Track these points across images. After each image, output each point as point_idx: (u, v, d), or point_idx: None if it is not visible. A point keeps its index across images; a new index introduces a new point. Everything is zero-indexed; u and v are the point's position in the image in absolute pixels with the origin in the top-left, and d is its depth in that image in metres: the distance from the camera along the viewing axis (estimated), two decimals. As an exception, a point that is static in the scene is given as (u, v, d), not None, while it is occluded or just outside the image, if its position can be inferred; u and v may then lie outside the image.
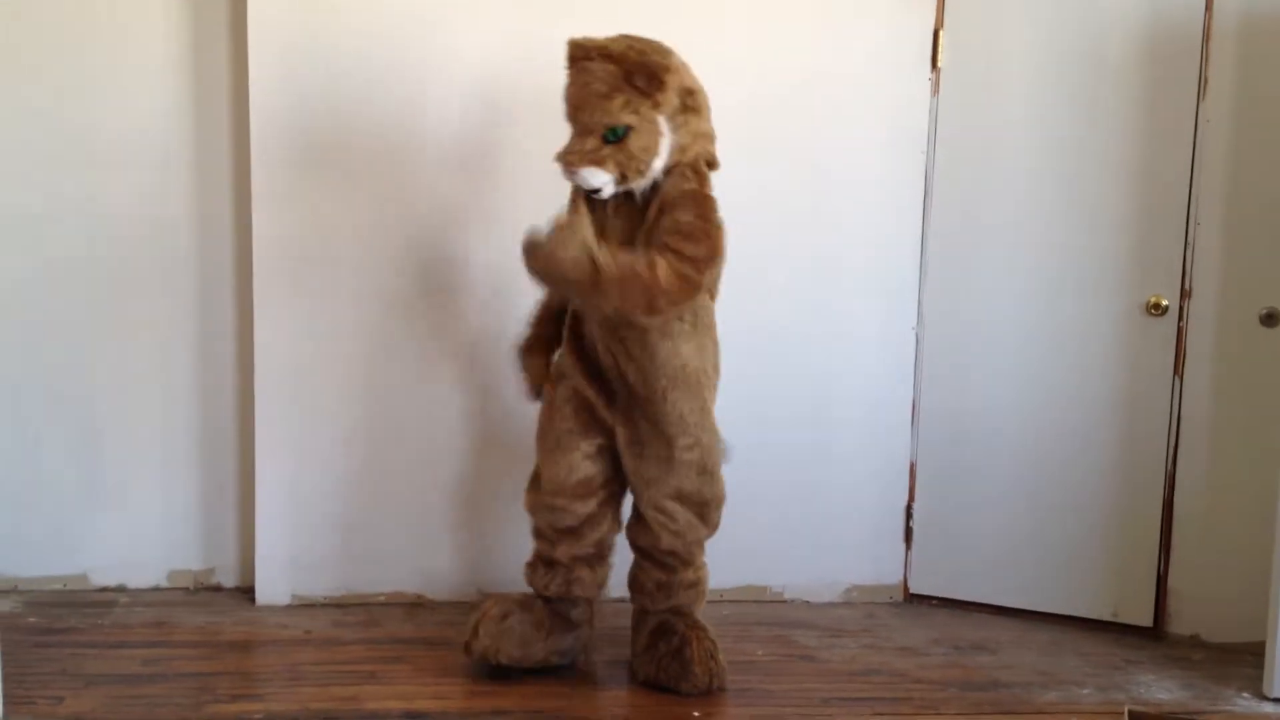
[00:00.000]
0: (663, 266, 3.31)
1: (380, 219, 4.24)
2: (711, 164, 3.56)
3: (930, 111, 4.46)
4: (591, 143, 3.34)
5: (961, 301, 4.49)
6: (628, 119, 3.32)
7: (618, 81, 3.32)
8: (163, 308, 4.36)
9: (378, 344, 4.29)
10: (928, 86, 4.45)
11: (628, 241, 3.45)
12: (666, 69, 3.33)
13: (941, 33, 4.41)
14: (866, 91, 4.43)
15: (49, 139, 4.23)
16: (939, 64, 4.43)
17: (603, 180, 3.37)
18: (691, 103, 3.43)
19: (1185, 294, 4.24)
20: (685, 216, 3.40)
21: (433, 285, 4.29)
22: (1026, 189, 4.39)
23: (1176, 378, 4.28)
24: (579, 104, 3.38)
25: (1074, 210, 4.34)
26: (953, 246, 4.49)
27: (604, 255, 3.28)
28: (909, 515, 4.62)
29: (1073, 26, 4.29)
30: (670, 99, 3.36)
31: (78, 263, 4.29)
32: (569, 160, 3.36)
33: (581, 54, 3.40)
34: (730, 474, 4.39)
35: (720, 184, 4.27)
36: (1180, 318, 4.25)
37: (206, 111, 4.31)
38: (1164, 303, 4.25)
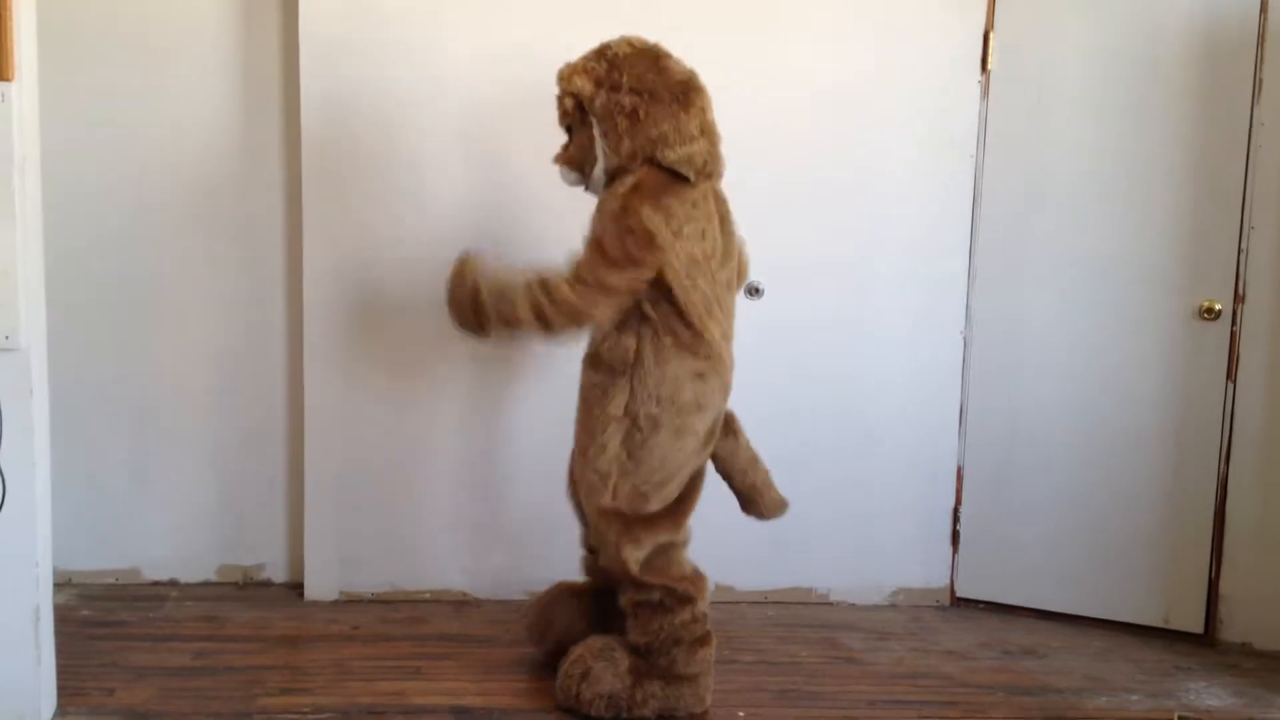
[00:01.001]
0: (538, 286, 3.30)
1: (430, 216, 4.27)
2: (681, 166, 3.37)
3: (980, 114, 4.43)
4: (564, 141, 3.54)
5: (1010, 304, 4.47)
6: (565, 119, 3.47)
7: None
8: (214, 307, 4.40)
9: (427, 343, 4.31)
10: (978, 89, 4.43)
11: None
12: (572, 69, 3.39)
13: (992, 35, 4.39)
14: (916, 94, 4.41)
15: (102, 140, 4.29)
16: (989, 66, 4.40)
17: (571, 178, 3.54)
18: (628, 105, 3.34)
19: (1239, 298, 4.20)
20: (593, 232, 3.36)
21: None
22: (1077, 191, 4.36)
23: (1229, 383, 4.23)
24: None
25: (1125, 213, 4.31)
26: (1002, 248, 4.46)
27: (485, 283, 3.32)
28: (956, 518, 4.59)
29: (1125, 28, 4.26)
30: (592, 97, 3.35)
31: (130, 265, 4.34)
32: (554, 158, 3.55)
33: None
34: (776, 475, 4.39)
35: (768, 185, 4.30)
36: (1233, 322, 4.21)
37: (257, 108, 4.35)
38: (1217, 307, 4.21)
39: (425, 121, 4.24)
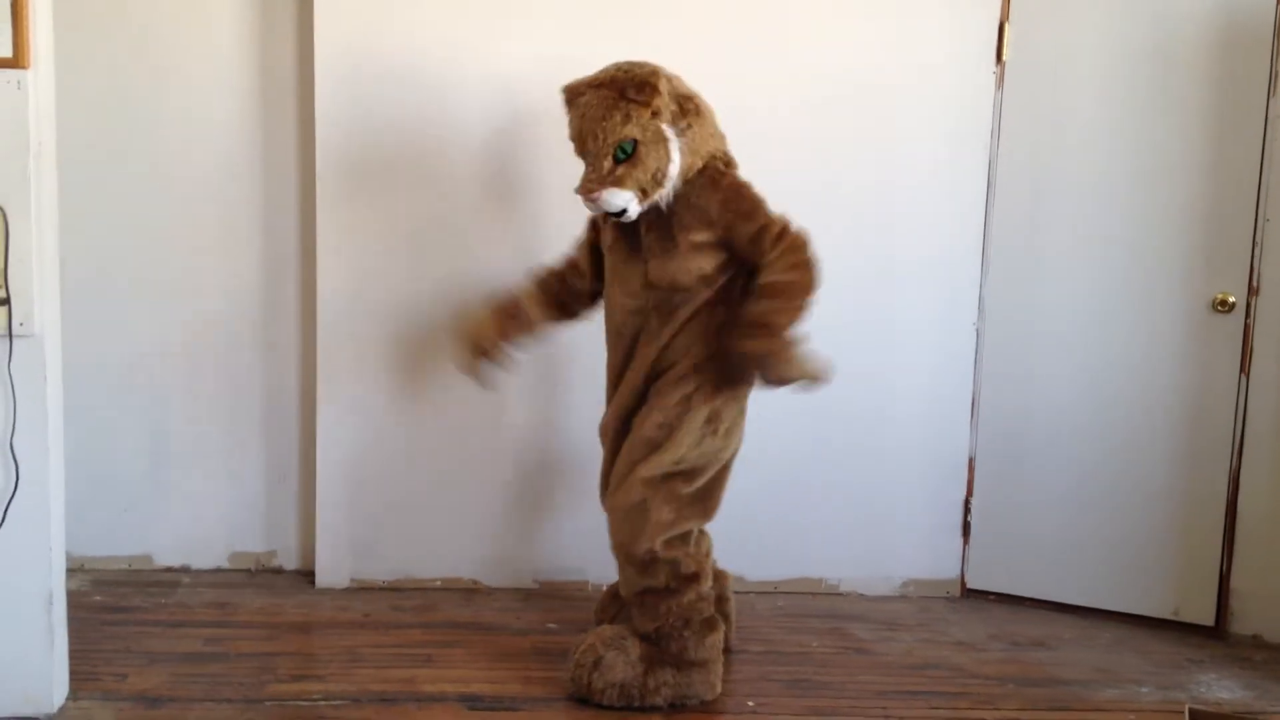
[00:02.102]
0: (792, 272, 3.40)
1: (442, 215, 4.27)
2: (728, 163, 3.55)
3: (994, 105, 4.42)
4: (606, 165, 3.35)
5: (1024, 296, 4.46)
6: (632, 132, 3.32)
7: (614, 101, 3.34)
8: (229, 300, 4.42)
9: (439, 334, 4.31)
10: (992, 80, 4.41)
11: (666, 254, 3.47)
12: (654, 73, 3.35)
13: (1007, 25, 4.37)
14: (930, 85, 4.40)
15: (116, 141, 4.30)
16: (1004, 57, 4.39)
17: (625, 199, 3.36)
18: (691, 107, 3.43)
19: (1253, 291, 4.19)
20: (751, 225, 3.42)
21: (494, 276, 4.31)
22: (1092, 183, 4.35)
23: (1243, 375, 4.22)
24: (582, 133, 3.40)
25: (1140, 205, 4.30)
26: (1016, 241, 4.45)
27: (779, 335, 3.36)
28: (967, 510, 4.58)
29: (1141, 20, 4.24)
30: (666, 104, 3.36)
31: (144, 257, 4.35)
32: (588, 187, 3.36)
33: (573, 94, 3.46)
34: (787, 466, 4.41)
35: (782, 178, 4.28)
36: (1247, 315, 4.20)
37: (272, 98, 4.35)
38: (1231, 299, 4.20)
39: (440, 124, 4.23)
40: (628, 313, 3.56)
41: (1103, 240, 4.35)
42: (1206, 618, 4.32)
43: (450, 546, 4.44)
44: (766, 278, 3.38)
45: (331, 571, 4.40)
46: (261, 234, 4.40)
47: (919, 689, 3.73)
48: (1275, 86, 4.10)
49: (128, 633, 3.88)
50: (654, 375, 3.53)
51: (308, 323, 4.40)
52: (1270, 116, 4.11)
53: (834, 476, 4.48)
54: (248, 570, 4.53)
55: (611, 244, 3.61)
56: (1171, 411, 4.32)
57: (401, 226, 4.27)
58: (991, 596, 4.60)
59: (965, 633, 4.25)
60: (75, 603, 3.72)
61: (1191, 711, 3.09)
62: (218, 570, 4.52)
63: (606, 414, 3.71)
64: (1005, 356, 4.50)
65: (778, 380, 3.34)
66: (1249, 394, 4.22)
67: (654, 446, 3.46)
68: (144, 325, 4.38)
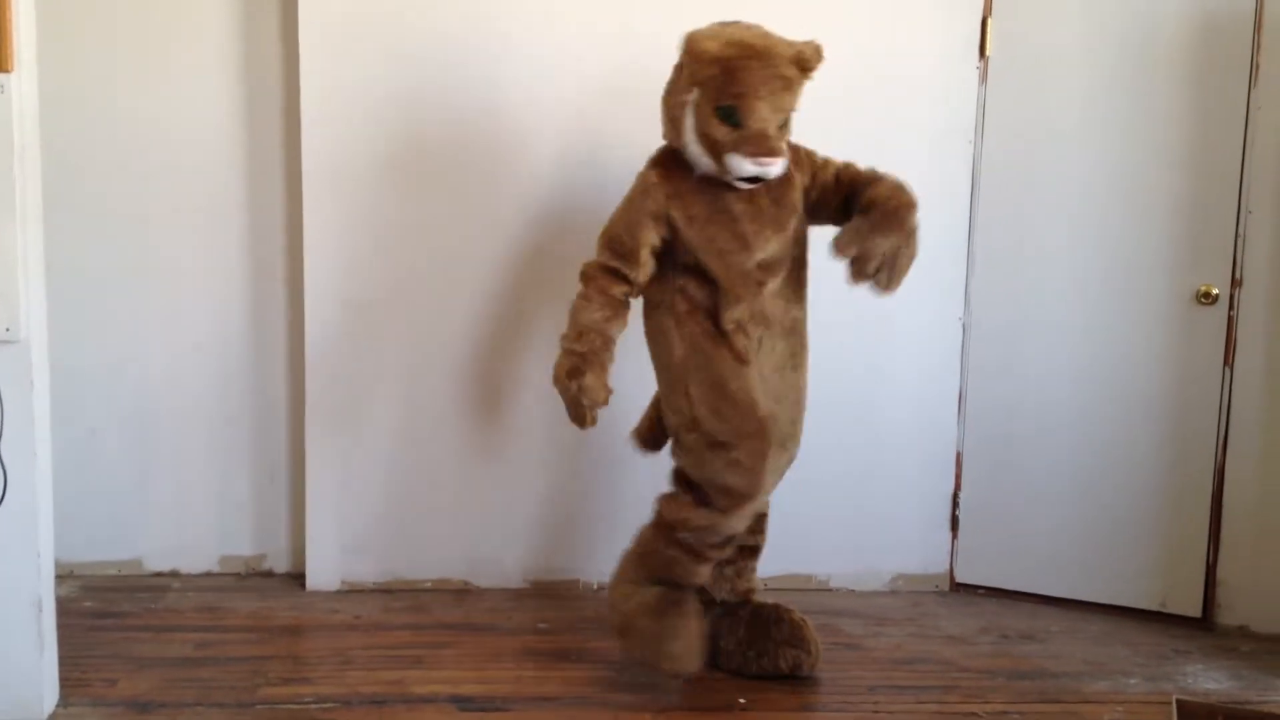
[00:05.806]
0: None
1: (431, 214, 4.27)
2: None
3: (978, 100, 4.43)
4: (773, 131, 3.43)
5: (1009, 291, 4.47)
6: (795, 104, 3.52)
7: (782, 69, 3.46)
8: (215, 301, 4.42)
9: (427, 335, 4.32)
10: (976, 75, 4.43)
11: (781, 219, 3.56)
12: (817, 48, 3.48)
13: (990, 21, 4.38)
14: (914, 80, 4.41)
15: (102, 130, 4.29)
16: (987, 52, 4.40)
17: (784, 165, 3.49)
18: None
19: (1236, 283, 4.20)
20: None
21: (485, 277, 4.31)
22: (1076, 177, 4.36)
23: (1227, 367, 4.24)
24: (748, 96, 3.39)
25: (1124, 198, 4.31)
26: (1001, 235, 4.46)
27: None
28: (955, 504, 4.60)
29: (1123, 13, 4.25)
30: None
31: (131, 259, 4.35)
32: (776, 149, 3.40)
33: (725, 55, 3.41)
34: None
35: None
36: (1231, 306, 4.21)
37: (257, 97, 4.35)
38: (1214, 291, 4.21)
39: (431, 114, 4.24)
40: (756, 281, 3.50)
41: (1087, 233, 4.36)
42: (1193, 609, 4.33)
43: (440, 547, 4.44)
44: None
45: (322, 574, 4.40)
46: (249, 234, 4.40)
47: (909, 683, 3.74)
48: (1256, 78, 4.12)
49: (117, 638, 3.88)
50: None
51: (295, 323, 4.39)
52: (1251, 108, 4.13)
53: (823, 472, 4.48)
54: (237, 574, 4.53)
55: (740, 213, 3.47)
56: (1156, 404, 4.33)
57: (391, 223, 4.27)
58: (980, 590, 4.62)
59: (955, 626, 4.26)
60: (65, 609, 3.72)
61: (1179, 702, 3.11)
62: (207, 574, 4.52)
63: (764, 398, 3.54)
64: (991, 351, 4.51)
65: None
66: (1233, 386, 4.24)
67: None
68: (130, 328, 4.37)
